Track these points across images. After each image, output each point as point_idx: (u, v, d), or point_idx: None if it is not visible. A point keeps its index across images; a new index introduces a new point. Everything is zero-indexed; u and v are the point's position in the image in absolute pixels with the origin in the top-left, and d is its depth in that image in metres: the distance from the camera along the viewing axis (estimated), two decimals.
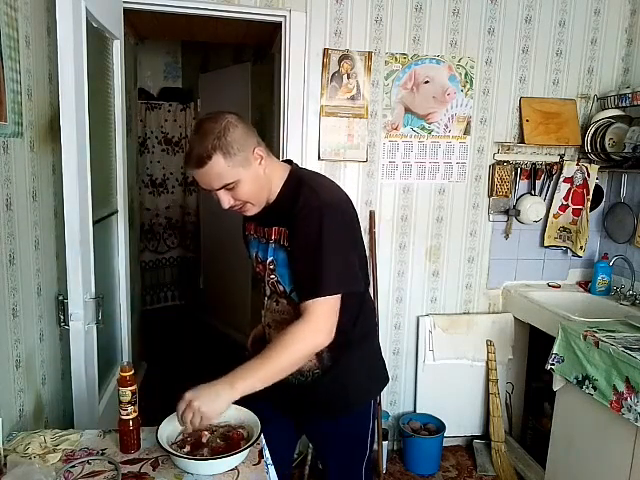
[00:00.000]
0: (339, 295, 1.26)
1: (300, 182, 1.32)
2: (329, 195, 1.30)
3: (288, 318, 1.34)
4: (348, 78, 2.42)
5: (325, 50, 2.38)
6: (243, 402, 1.21)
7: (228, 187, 1.24)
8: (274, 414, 1.46)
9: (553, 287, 2.75)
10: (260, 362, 1.20)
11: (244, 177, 1.24)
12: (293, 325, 1.24)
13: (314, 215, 1.24)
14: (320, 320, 1.23)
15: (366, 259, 1.46)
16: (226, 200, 1.26)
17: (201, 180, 1.24)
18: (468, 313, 2.76)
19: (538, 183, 2.70)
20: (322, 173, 1.59)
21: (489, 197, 2.67)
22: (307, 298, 1.24)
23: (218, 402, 1.15)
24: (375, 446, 1.61)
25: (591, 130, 2.57)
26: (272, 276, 1.37)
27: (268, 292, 1.42)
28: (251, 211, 1.32)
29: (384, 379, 1.55)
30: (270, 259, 1.35)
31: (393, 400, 2.76)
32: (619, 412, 1.80)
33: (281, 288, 1.36)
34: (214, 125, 1.21)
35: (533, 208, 2.64)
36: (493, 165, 2.63)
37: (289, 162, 1.42)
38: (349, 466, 1.52)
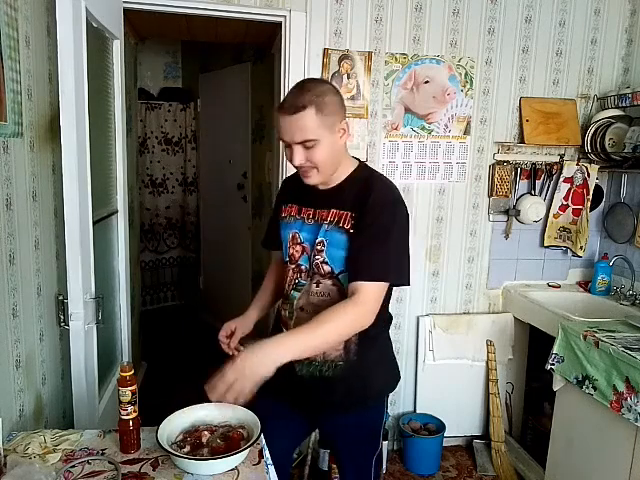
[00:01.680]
0: (387, 284, 1.32)
1: (372, 175, 1.41)
2: (398, 194, 1.39)
3: (328, 300, 1.36)
4: (348, 78, 2.42)
5: (325, 50, 2.38)
6: (254, 397, 1.20)
7: (307, 144, 1.28)
8: (281, 411, 1.47)
9: (553, 287, 2.75)
10: (308, 331, 1.23)
11: (325, 140, 1.28)
12: (342, 302, 1.27)
13: (389, 208, 1.33)
14: (369, 302, 1.28)
15: None
16: (299, 157, 1.30)
17: (286, 128, 1.28)
18: (468, 313, 2.76)
19: (538, 183, 2.70)
20: None
21: (489, 197, 2.67)
22: (362, 279, 1.28)
23: (264, 364, 1.15)
24: None
25: (591, 130, 2.57)
26: (317, 257, 1.38)
27: (309, 273, 1.41)
28: (314, 179, 1.35)
29: (397, 375, 1.59)
30: (320, 239, 1.37)
31: (393, 400, 2.75)
32: (619, 412, 1.80)
33: (327, 269, 1.37)
34: (317, 85, 1.30)
35: (533, 208, 2.64)
36: (493, 165, 2.63)
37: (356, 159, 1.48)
38: (361, 460, 1.54)
